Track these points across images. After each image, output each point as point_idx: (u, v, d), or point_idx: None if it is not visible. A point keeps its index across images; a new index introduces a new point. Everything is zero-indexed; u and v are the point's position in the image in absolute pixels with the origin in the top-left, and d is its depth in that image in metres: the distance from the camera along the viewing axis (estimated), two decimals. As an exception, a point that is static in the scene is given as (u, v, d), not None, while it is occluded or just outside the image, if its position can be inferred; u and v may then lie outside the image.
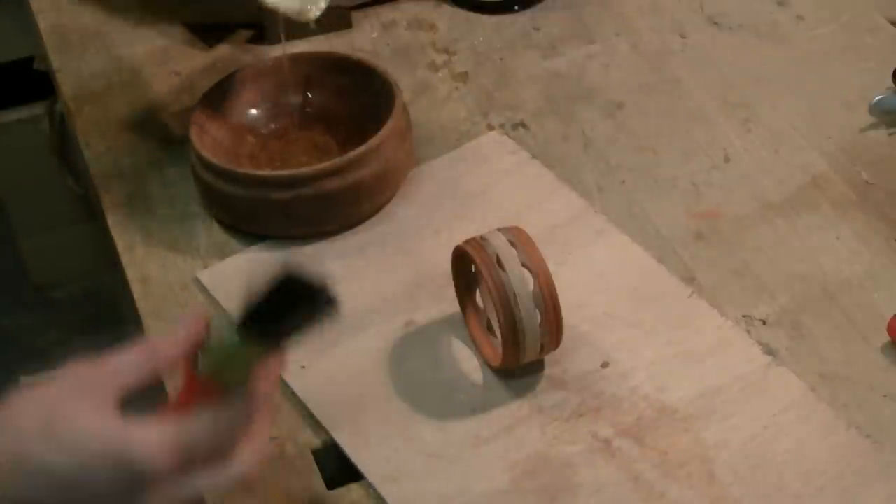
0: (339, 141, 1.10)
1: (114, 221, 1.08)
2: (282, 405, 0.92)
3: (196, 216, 1.07)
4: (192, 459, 0.70)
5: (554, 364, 0.92)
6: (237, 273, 1.02)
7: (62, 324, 2.17)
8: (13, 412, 0.70)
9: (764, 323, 0.95)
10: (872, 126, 1.10)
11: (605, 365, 0.92)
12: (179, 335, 0.73)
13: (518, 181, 1.08)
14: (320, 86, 1.12)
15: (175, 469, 0.69)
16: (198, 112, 1.07)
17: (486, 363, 0.93)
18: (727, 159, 1.09)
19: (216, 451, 0.71)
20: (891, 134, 1.10)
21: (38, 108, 1.95)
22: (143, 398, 0.73)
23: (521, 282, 0.87)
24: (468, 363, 0.93)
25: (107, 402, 0.69)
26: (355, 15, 1.27)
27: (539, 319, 0.87)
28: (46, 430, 0.68)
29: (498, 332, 0.90)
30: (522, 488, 0.85)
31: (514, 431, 0.88)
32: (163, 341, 0.73)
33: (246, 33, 1.26)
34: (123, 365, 0.72)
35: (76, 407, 0.69)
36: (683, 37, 1.23)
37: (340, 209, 1.03)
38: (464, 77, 1.20)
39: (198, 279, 1.01)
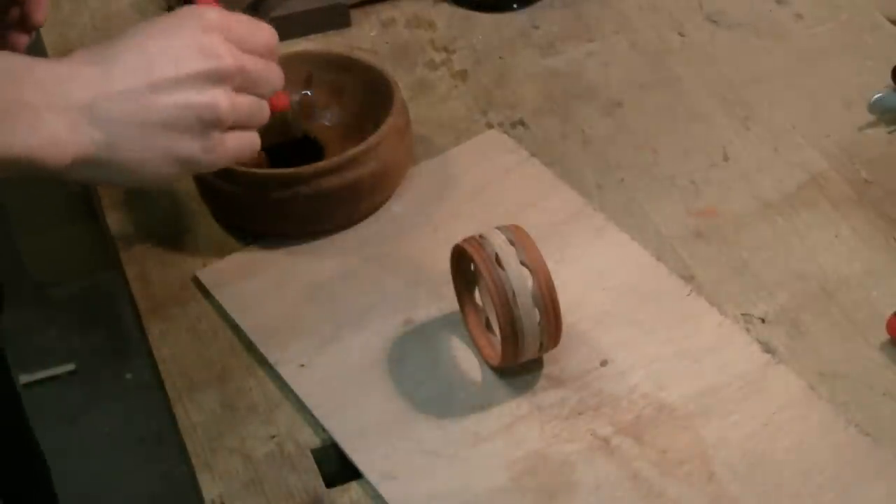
0: (337, 139, 1.10)
1: (113, 220, 1.08)
2: (281, 404, 0.92)
3: (195, 215, 1.07)
4: (242, 47, 0.81)
5: (553, 362, 0.92)
6: (236, 271, 1.02)
7: (61, 322, 2.18)
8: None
9: (763, 321, 0.95)
10: (872, 124, 1.10)
11: (604, 363, 0.92)
12: None
13: (517, 179, 1.08)
14: (319, 84, 1.12)
15: (237, 57, 0.80)
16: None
17: (485, 362, 0.93)
18: (726, 158, 1.09)
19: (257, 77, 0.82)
20: (890, 132, 1.10)
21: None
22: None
23: (520, 280, 0.87)
24: (467, 362, 0.93)
25: None
26: (354, 13, 1.27)
27: (538, 318, 0.87)
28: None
29: (497, 330, 0.90)
30: (521, 486, 0.85)
31: (513, 430, 0.88)
32: None
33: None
34: None
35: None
36: (682, 35, 1.23)
37: (339, 208, 1.03)
38: (463, 75, 1.20)
39: (197, 277, 1.01)
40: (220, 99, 0.80)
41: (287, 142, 1.02)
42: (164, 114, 0.79)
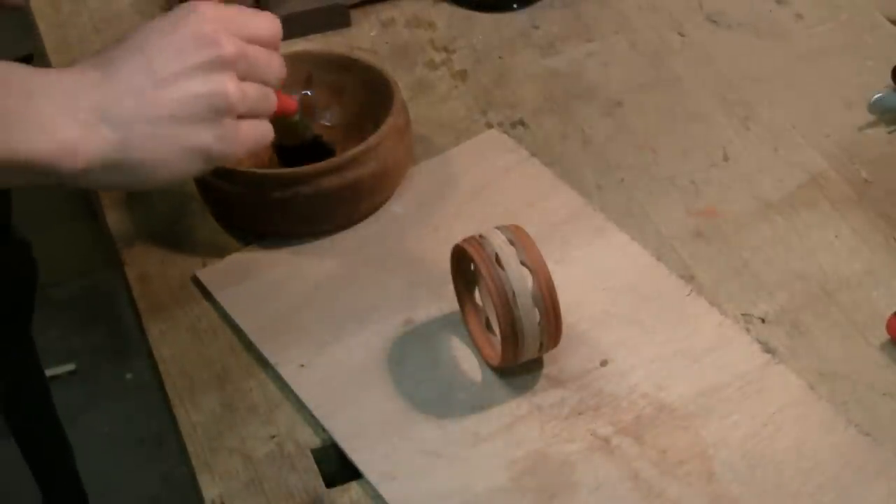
0: (337, 139, 1.10)
1: (113, 219, 1.08)
2: (281, 404, 0.92)
3: (195, 214, 1.07)
4: (243, 36, 0.82)
5: (553, 362, 0.92)
6: (236, 271, 1.02)
7: (62, 321, 2.18)
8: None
9: (763, 321, 0.95)
10: (872, 124, 1.10)
11: (604, 363, 0.92)
12: None
13: (517, 179, 1.08)
14: (319, 84, 1.12)
15: (237, 44, 0.81)
16: (197, 110, 1.07)
17: (485, 362, 0.93)
18: (726, 158, 1.09)
19: (260, 64, 0.83)
20: (890, 132, 1.10)
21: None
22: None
23: (520, 280, 0.87)
24: (467, 362, 0.93)
25: None
26: (354, 13, 1.27)
27: (538, 318, 0.87)
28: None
29: (497, 330, 0.90)
30: (521, 486, 0.85)
31: (514, 430, 0.88)
32: None
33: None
34: None
35: None
36: (682, 35, 1.23)
37: (339, 208, 1.03)
38: (463, 75, 1.20)
39: (196, 277, 1.01)
40: (228, 85, 0.80)
41: (298, 145, 1.02)
42: (174, 107, 0.79)
